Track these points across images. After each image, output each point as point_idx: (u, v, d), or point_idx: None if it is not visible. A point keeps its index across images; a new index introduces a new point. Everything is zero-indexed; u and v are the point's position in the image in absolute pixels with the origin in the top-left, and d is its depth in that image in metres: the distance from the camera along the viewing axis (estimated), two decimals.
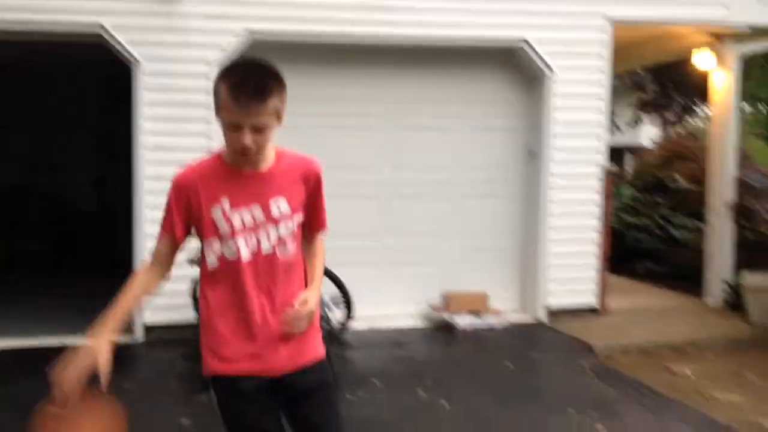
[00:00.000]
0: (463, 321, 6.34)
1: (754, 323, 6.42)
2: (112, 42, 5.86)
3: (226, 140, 2.15)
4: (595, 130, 6.66)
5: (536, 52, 6.48)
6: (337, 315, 5.60)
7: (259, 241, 2.19)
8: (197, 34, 5.99)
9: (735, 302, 6.86)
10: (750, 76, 16.05)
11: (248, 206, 2.19)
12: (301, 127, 6.32)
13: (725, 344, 6.03)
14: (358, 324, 6.05)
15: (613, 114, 15.92)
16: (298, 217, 2.24)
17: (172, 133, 5.96)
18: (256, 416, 2.25)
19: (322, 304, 4.89)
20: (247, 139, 2.07)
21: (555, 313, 6.62)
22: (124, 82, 6.31)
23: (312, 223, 2.33)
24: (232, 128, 2.09)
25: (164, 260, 2.29)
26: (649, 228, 9.29)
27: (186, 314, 5.58)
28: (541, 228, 6.64)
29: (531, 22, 6.45)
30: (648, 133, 16.63)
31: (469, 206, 6.81)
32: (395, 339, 6.04)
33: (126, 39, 5.87)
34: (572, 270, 6.69)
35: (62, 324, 5.95)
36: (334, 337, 5.10)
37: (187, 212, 2.22)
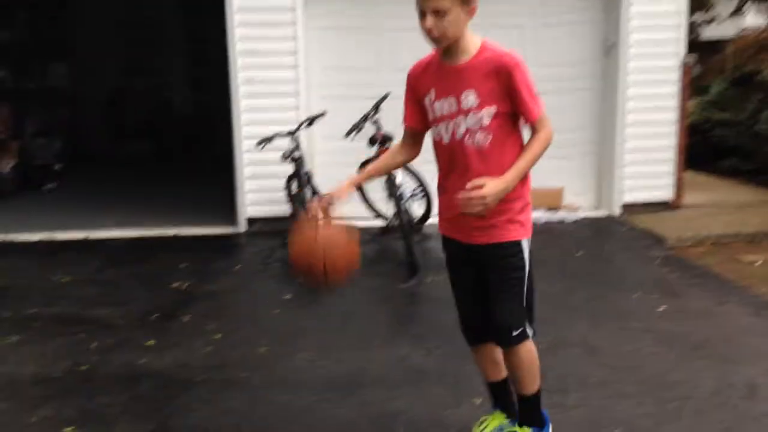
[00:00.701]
0: (537, 216, 6.65)
1: None
2: None
3: (421, 30, 2.43)
4: (674, 21, 6.57)
5: None
6: (416, 207, 6.00)
7: (455, 129, 2.49)
8: None
9: None
10: None
11: (446, 97, 2.49)
12: (374, 28, 6.56)
13: None
14: (436, 218, 6.46)
15: (710, 4, 15.06)
16: (490, 110, 2.43)
17: (262, 39, 6.32)
18: (455, 271, 2.80)
19: (401, 195, 5.32)
20: (428, 21, 2.34)
21: (630, 208, 6.81)
22: None
23: (519, 115, 2.48)
24: (421, 15, 2.38)
25: (409, 143, 2.73)
26: (736, 123, 9.09)
27: (283, 207, 6.14)
28: (618, 123, 6.73)
29: None
30: (754, 23, 15.60)
31: (546, 102, 6.91)
32: None
33: None
34: (649, 165, 6.80)
35: (170, 217, 6.71)
36: (413, 226, 5.52)
37: (415, 101, 2.62)
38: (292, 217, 5.90)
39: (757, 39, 9.46)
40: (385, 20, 6.54)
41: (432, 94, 2.53)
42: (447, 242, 2.75)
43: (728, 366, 3.59)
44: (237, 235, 6.41)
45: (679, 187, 6.90)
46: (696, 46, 12.96)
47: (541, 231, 6.41)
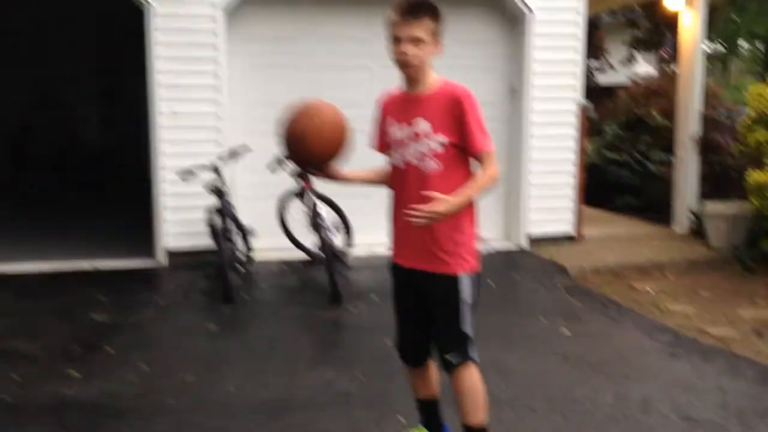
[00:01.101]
0: None
1: (712, 247, 7.11)
2: None
3: (392, 55, 2.70)
4: (572, 69, 7.18)
5: None
6: (338, 239, 6.19)
7: (408, 154, 2.73)
8: None
9: (699, 229, 7.51)
10: (745, 11, 16.27)
11: (402, 123, 2.75)
12: (303, 66, 6.84)
13: (685, 266, 6.72)
14: (358, 250, 6.67)
15: (605, 52, 16.18)
16: (441, 138, 2.65)
17: (183, 73, 6.41)
18: (399, 295, 2.94)
19: (324, 228, 5.52)
20: (404, 47, 2.63)
21: (535, 241, 7.27)
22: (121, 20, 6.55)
23: (466, 147, 2.69)
24: (394, 41, 2.66)
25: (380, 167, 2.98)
26: (629, 163, 9.87)
27: (204, 240, 6.18)
28: (523, 161, 7.22)
29: None
30: (644, 71, 16.84)
31: None
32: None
33: None
34: (551, 200, 7.30)
35: (84, 250, 6.62)
36: (335, 257, 5.72)
37: (381, 127, 2.90)
38: (216, 249, 5.96)
39: (646, 87, 10.34)
40: (306, 58, 6.82)
41: (392, 119, 2.82)
42: (394, 267, 2.94)
43: (625, 383, 3.96)
44: (156, 268, 6.39)
45: (580, 221, 7.44)
46: (593, 91, 13.94)
47: None
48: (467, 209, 2.73)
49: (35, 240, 7.26)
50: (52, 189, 10.66)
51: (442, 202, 2.58)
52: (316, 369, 4.10)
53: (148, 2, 6.30)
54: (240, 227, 5.98)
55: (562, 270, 6.47)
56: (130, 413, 3.51)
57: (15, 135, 11.20)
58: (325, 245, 5.53)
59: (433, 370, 2.97)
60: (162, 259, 6.49)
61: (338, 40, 6.99)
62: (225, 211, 5.79)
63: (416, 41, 2.63)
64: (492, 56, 7.33)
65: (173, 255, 6.51)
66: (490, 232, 7.34)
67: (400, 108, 2.80)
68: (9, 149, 11.10)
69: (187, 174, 5.80)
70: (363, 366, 4.10)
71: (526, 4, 6.98)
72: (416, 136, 2.71)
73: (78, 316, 5.01)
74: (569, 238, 7.41)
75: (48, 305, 5.26)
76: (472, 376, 2.79)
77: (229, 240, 5.71)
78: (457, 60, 7.18)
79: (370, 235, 7.02)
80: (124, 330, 4.75)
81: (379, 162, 3.00)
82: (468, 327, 2.78)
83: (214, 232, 5.97)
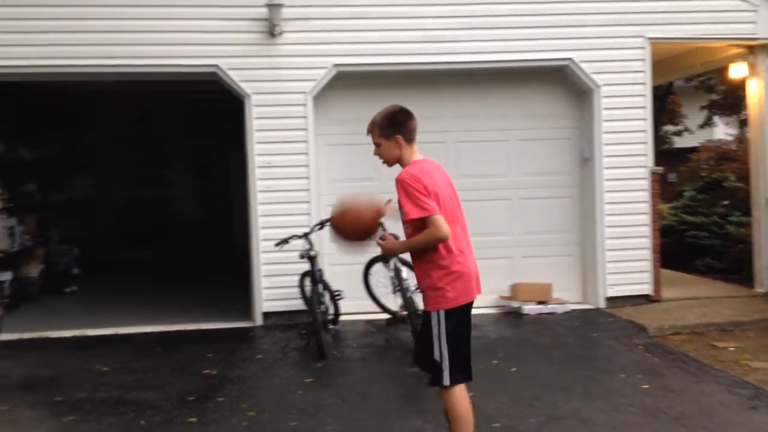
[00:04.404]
0: (530, 308, 7.26)
1: None
2: (227, 81, 7.10)
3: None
4: (641, 136, 7.51)
5: (582, 70, 7.42)
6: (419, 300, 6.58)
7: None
8: (294, 70, 7.15)
9: None
10: None
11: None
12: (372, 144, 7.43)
13: (766, 324, 6.72)
14: None
15: (681, 117, 16.13)
16: (402, 210, 3.40)
17: (276, 152, 7.12)
18: None
19: (407, 289, 5.95)
20: (375, 150, 3.59)
21: (613, 301, 7.46)
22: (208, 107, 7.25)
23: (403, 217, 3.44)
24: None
25: None
26: (707, 226, 9.91)
27: (297, 302, 6.72)
28: (598, 225, 7.50)
29: (576, 44, 7.40)
30: (723, 134, 16.49)
31: (532, 207, 7.74)
32: (472, 323, 7.00)
33: (238, 77, 7.10)
34: (627, 263, 7.51)
35: (188, 314, 7.29)
36: (418, 316, 6.09)
37: None
38: (308, 310, 6.46)
39: (718, 150, 10.45)
40: None
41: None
42: None
43: None
44: (254, 328, 6.96)
45: (657, 282, 7.57)
46: (670, 155, 13.99)
47: (534, 321, 7.05)
48: (429, 262, 3.39)
49: (144, 306, 8.01)
50: (149, 261, 11.64)
51: (387, 240, 3.56)
52: (405, 417, 4.44)
53: (247, 93, 7.10)
54: (329, 290, 6.48)
55: (641, 329, 6.61)
56: None
57: (121, 212, 12.30)
58: (408, 305, 5.94)
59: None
60: (258, 320, 7.06)
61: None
62: (315, 275, 6.30)
63: (377, 145, 3.58)
64: (562, 128, 7.78)
65: (267, 315, 7.06)
66: (567, 293, 7.60)
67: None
68: (116, 226, 12.18)
69: (282, 243, 6.38)
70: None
71: (592, 80, 7.42)
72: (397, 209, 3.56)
73: (190, 370, 5.58)
74: (647, 299, 7.53)
75: (164, 361, 5.85)
76: (449, 398, 3.42)
77: (320, 302, 6.20)
78: (527, 132, 7.70)
79: None
80: (230, 382, 5.25)
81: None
82: (438, 356, 3.39)
83: (306, 295, 6.49)
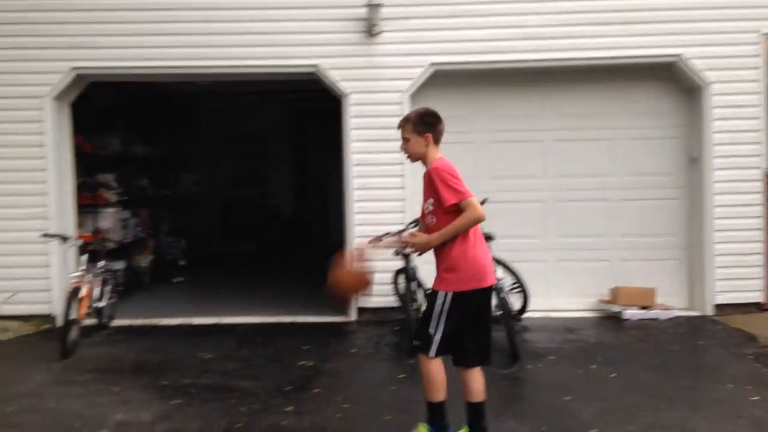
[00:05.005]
0: (631, 313, 7.01)
1: None
2: (326, 80, 7.26)
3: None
4: (754, 136, 7.09)
5: (691, 67, 7.08)
6: (513, 301, 6.49)
7: (425, 211, 3.82)
8: (391, 69, 7.22)
9: None
10: None
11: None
12: (478, 141, 7.40)
13: None
14: (532, 312, 6.95)
15: None
16: (431, 201, 3.71)
17: (373, 151, 7.22)
18: None
19: (502, 290, 5.88)
20: (402, 145, 3.86)
21: (722, 308, 7.09)
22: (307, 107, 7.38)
23: (440, 203, 3.63)
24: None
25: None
26: None
27: (390, 299, 6.78)
28: (707, 229, 7.14)
29: (685, 40, 7.08)
30: None
31: (634, 209, 7.46)
32: (567, 326, 6.87)
33: (337, 76, 7.24)
34: (738, 268, 7.12)
35: (285, 307, 7.50)
36: (512, 318, 6.01)
37: None
38: (401, 306, 6.51)
39: None
40: (481, 134, 7.39)
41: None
42: None
43: None
44: (348, 323, 7.08)
45: None
46: None
47: (635, 327, 6.81)
48: (450, 247, 3.65)
49: (243, 298, 8.34)
50: (248, 254, 12.08)
51: (418, 237, 3.76)
52: (499, 419, 4.39)
53: (346, 93, 7.23)
54: (422, 287, 6.49)
55: (751, 338, 6.25)
56: None
57: (224, 207, 12.85)
58: (503, 307, 5.86)
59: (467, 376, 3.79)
60: (353, 315, 7.18)
61: (510, 117, 7.50)
62: (409, 272, 6.34)
63: (406, 140, 3.82)
64: (669, 126, 7.46)
65: (362, 311, 7.18)
66: (671, 299, 7.28)
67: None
68: (220, 220, 12.74)
69: (376, 240, 6.44)
70: (539, 418, 4.37)
71: (702, 78, 7.07)
72: (425, 199, 3.81)
73: (286, 361, 5.75)
74: (758, 307, 7.11)
75: (262, 352, 6.05)
76: (430, 367, 3.72)
77: (414, 299, 6.23)
78: (631, 131, 7.43)
79: (546, 298, 7.33)
80: (325, 375, 5.37)
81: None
82: (432, 330, 3.68)
83: (400, 292, 6.53)
